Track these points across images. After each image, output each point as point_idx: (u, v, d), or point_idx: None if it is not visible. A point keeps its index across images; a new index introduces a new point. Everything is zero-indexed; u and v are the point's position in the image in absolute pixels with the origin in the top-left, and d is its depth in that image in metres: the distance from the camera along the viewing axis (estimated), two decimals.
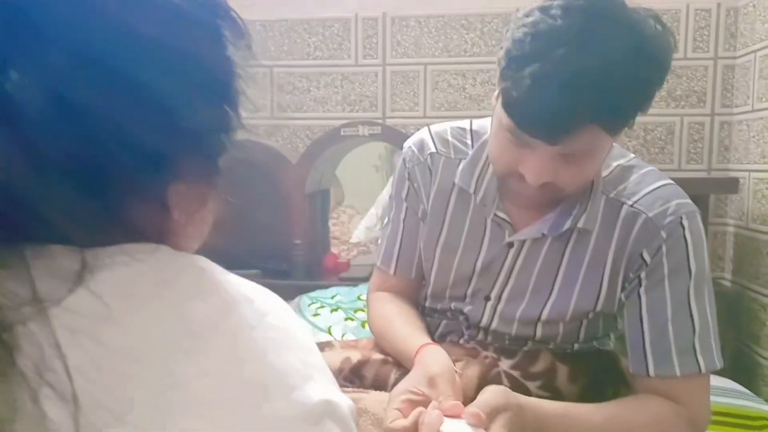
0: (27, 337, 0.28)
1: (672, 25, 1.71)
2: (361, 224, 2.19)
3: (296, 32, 1.90)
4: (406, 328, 0.85)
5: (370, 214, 2.15)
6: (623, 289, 0.80)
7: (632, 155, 0.85)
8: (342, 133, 1.73)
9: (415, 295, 0.95)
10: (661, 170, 0.84)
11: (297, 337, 0.35)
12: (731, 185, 1.56)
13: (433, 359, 0.75)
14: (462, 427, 0.64)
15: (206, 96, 0.36)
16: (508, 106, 0.70)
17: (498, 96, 0.74)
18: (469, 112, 1.83)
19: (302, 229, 1.74)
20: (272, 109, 1.92)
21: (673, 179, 0.82)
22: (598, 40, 0.65)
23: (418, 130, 0.93)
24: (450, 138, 0.89)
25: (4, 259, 0.29)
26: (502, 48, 0.70)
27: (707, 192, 1.60)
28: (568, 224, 0.79)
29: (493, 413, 0.64)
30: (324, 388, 0.33)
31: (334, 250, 1.98)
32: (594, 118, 0.67)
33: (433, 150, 0.89)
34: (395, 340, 0.85)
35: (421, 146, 0.90)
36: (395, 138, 1.70)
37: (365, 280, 1.01)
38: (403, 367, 0.81)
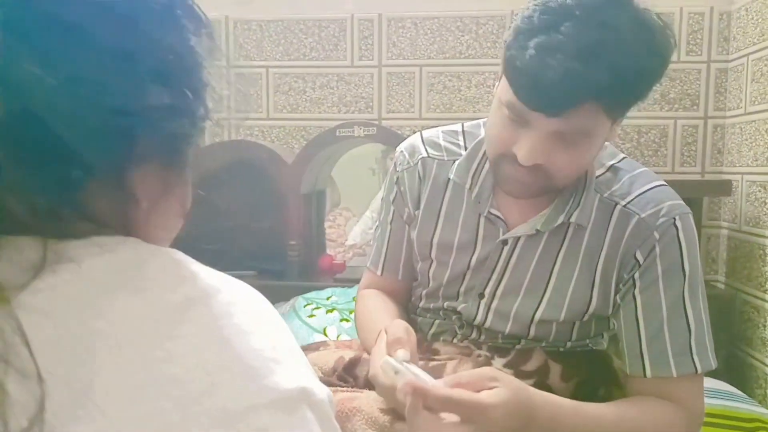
0: None
1: None
2: (357, 226, 2.19)
3: (292, 32, 1.90)
4: (384, 320, 0.85)
5: (366, 216, 2.15)
6: (617, 290, 0.80)
7: (623, 155, 0.85)
8: (337, 134, 1.73)
9: (404, 296, 0.96)
10: (655, 173, 0.85)
11: (267, 324, 0.35)
12: (724, 188, 1.57)
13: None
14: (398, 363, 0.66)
15: (164, 79, 0.36)
16: (510, 75, 0.70)
17: (500, 77, 0.75)
18: (465, 113, 1.83)
19: (298, 229, 1.74)
20: (268, 110, 1.92)
21: (666, 182, 0.83)
22: (606, 18, 0.65)
23: (414, 131, 0.94)
24: (442, 141, 0.90)
25: None
26: (510, 29, 0.71)
27: (701, 195, 1.61)
28: (561, 219, 0.79)
29: (481, 380, 0.65)
30: (298, 374, 0.33)
31: (330, 252, 1.98)
32: (595, 94, 0.67)
33: (425, 155, 0.89)
34: (372, 332, 0.85)
35: (412, 151, 0.91)
36: (391, 139, 1.70)
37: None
38: None
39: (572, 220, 0.79)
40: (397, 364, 0.66)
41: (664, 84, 1.76)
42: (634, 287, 0.78)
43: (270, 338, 0.34)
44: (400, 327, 0.73)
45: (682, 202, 0.80)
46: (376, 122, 1.85)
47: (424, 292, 0.91)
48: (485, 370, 0.69)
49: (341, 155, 1.94)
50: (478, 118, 0.93)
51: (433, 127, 0.95)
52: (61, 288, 0.30)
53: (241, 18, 1.88)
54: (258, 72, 1.91)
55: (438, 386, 0.63)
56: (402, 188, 0.91)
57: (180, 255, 0.35)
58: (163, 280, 0.33)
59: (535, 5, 0.68)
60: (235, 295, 0.34)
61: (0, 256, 0.30)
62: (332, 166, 1.97)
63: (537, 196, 0.78)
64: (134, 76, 0.34)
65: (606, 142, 0.82)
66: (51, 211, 0.31)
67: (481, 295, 0.85)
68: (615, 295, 0.80)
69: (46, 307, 0.29)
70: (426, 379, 0.64)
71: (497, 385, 0.64)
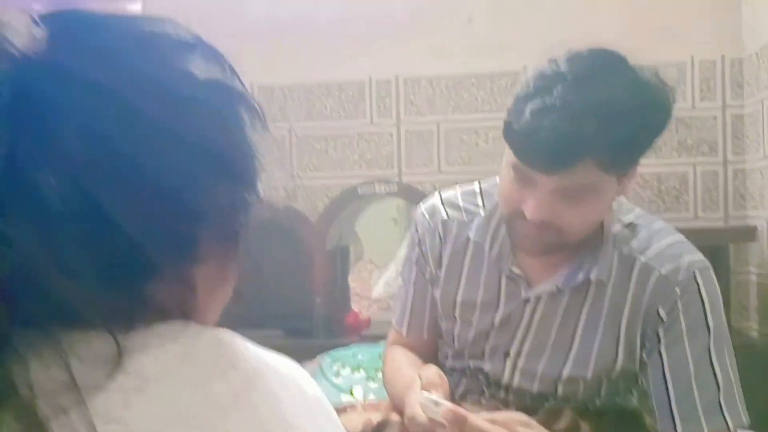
0: (66, 424, 0.29)
1: (678, 77, 1.75)
2: (382, 279, 2.19)
3: (314, 95, 1.98)
4: (411, 372, 0.85)
5: (390, 268, 2.16)
6: (643, 346, 0.80)
7: (640, 211, 0.87)
8: (359, 192, 1.77)
9: (430, 353, 0.97)
10: (677, 220, 0.86)
11: (317, 406, 0.36)
12: (749, 233, 1.56)
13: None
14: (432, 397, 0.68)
15: (227, 183, 0.37)
16: (509, 139, 0.75)
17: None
18: (483, 167, 1.86)
19: (322, 287, 1.76)
20: (292, 170, 1.98)
21: (689, 229, 0.84)
22: (597, 79, 0.70)
23: (434, 186, 0.97)
24: (461, 203, 0.92)
25: (39, 348, 0.31)
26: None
27: (725, 242, 1.59)
28: (581, 276, 0.80)
29: (513, 423, 0.67)
30: None
31: (354, 306, 1.99)
32: (589, 152, 0.70)
33: (445, 217, 0.92)
34: (399, 384, 0.85)
35: (432, 212, 0.93)
36: (411, 195, 1.73)
37: (386, 337, 1.03)
38: None
39: (592, 276, 0.80)
40: (437, 398, 0.68)
41: (681, 131, 1.77)
42: (659, 344, 0.78)
43: (320, 421, 0.35)
44: (433, 371, 0.76)
45: (701, 256, 0.80)
46: (397, 179, 1.89)
47: (450, 352, 0.92)
48: (518, 414, 0.71)
49: (364, 208, 1.98)
50: (496, 172, 0.95)
51: (452, 181, 0.97)
52: (130, 392, 0.31)
53: (266, 84, 1.97)
54: (282, 134, 1.98)
55: (478, 418, 0.66)
56: (423, 249, 0.93)
57: (231, 336, 0.36)
58: (217, 368, 0.33)
59: (532, 74, 0.74)
60: (286, 377, 0.35)
61: (72, 353, 0.31)
62: (354, 220, 2.01)
63: (551, 253, 0.80)
64: (200, 181, 0.35)
65: (622, 197, 0.84)
66: (120, 308, 0.33)
67: (507, 354, 0.86)
68: (641, 351, 0.80)
69: (117, 412, 0.30)
70: None
71: (529, 431, 0.66)
